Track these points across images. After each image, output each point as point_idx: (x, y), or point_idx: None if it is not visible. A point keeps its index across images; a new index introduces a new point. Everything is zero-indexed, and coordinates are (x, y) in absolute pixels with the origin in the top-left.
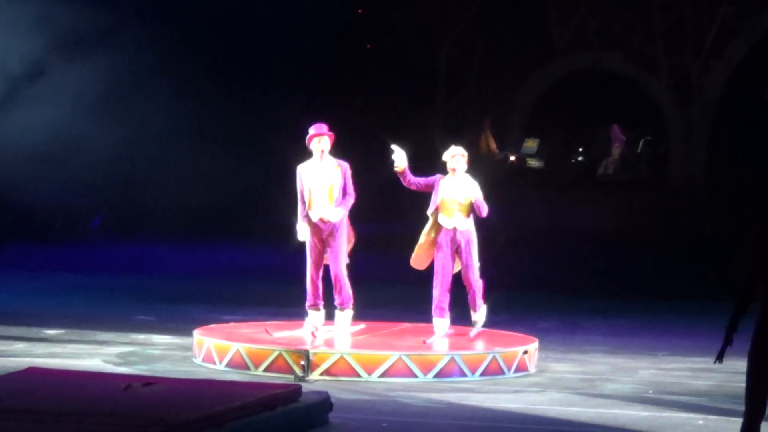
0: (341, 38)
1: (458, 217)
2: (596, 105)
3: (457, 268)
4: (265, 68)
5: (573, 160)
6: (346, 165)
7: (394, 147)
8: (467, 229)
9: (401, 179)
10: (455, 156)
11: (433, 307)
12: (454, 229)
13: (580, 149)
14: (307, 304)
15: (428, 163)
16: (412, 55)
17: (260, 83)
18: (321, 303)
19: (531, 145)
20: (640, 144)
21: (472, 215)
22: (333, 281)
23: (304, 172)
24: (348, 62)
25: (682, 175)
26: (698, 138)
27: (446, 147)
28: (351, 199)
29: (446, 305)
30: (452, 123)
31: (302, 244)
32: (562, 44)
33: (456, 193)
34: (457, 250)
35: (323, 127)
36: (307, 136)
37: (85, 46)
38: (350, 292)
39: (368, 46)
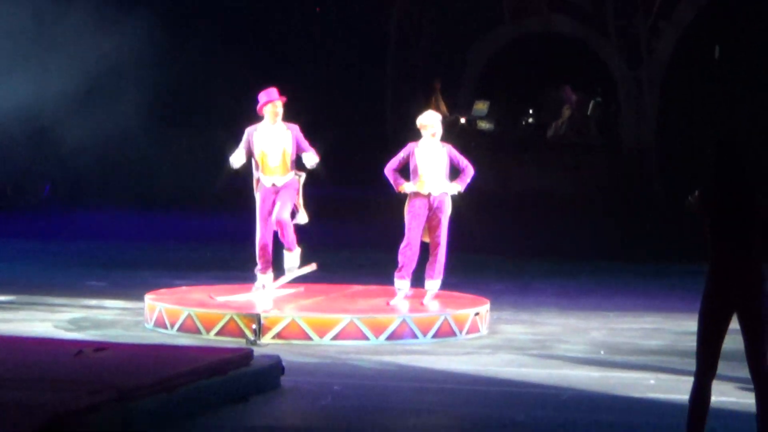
0: (291, 1)
1: (432, 183)
2: (546, 67)
3: (426, 236)
4: (212, 32)
5: (523, 122)
6: (295, 127)
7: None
8: (442, 194)
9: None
10: (433, 123)
11: (398, 268)
12: (429, 195)
13: (531, 111)
14: (257, 268)
15: (378, 127)
16: (361, 19)
17: (207, 48)
18: (270, 267)
19: (481, 107)
20: (590, 105)
21: (447, 182)
22: (276, 226)
23: (254, 134)
24: (297, 25)
25: (632, 137)
26: (648, 99)
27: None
28: (315, 156)
29: (412, 269)
30: (403, 86)
31: (233, 173)
32: (512, 7)
33: (430, 159)
34: (429, 217)
35: (275, 93)
36: (259, 103)
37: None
38: (293, 234)
39: (318, 9)
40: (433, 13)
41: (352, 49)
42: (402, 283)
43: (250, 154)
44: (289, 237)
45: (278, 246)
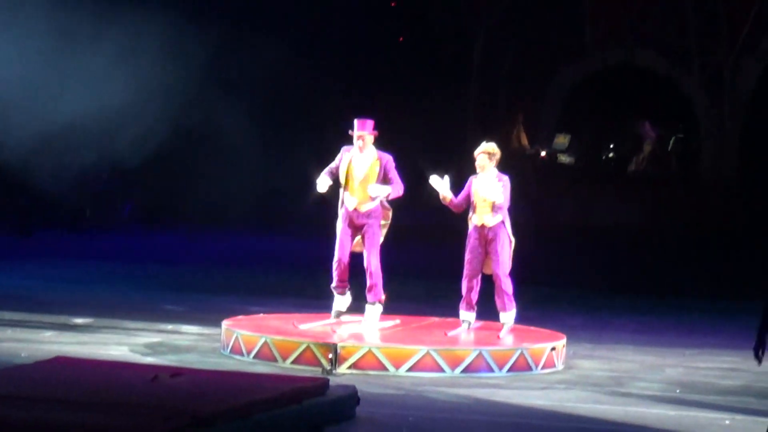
0: (374, 32)
1: (486, 213)
2: (628, 101)
3: (488, 268)
4: (300, 63)
5: (604, 156)
6: (388, 157)
7: (432, 178)
8: (496, 225)
9: (449, 206)
10: (479, 155)
11: (462, 300)
12: (483, 226)
13: (611, 145)
14: (332, 285)
15: (459, 157)
16: (445, 49)
17: (294, 77)
18: (347, 286)
19: (562, 140)
20: (671, 141)
21: (492, 214)
22: (366, 273)
23: (345, 154)
24: (381, 56)
25: (714, 172)
26: (730, 134)
27: (478, 142)
28: (398, 188)
29: (474, 299)
30: (484, 117)
31: (321, 197)
32: (595, 39)
33: (482, 191)
34: (486, 246)
35: (368, 126)
36: (352, 130)
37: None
38: (381, 286)
39: (401, 39)
40: (516, 44)
41: (434, 78)
42: (466, 315)
43: (336, 174)
44: (376, 286)
45: (355, 268)
